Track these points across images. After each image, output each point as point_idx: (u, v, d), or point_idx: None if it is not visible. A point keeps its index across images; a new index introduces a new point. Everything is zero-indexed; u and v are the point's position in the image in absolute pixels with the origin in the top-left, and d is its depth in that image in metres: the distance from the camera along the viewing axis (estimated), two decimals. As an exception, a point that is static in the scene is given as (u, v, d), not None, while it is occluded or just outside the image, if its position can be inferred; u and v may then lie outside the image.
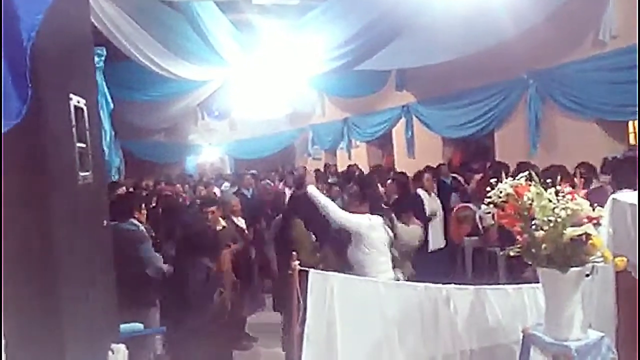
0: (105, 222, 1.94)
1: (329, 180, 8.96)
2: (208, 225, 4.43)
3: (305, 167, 13.04)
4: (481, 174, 7.97)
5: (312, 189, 4.35)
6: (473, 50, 7.22)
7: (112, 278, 2.02)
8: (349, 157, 13.97)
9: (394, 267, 4.30)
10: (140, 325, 2.29)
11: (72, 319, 1.58)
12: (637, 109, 5.81)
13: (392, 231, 4.41)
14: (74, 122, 1.65)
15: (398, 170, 10.19)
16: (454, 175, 8.44)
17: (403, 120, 11.53)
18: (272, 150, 16.98)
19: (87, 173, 1.73)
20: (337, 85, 11.32)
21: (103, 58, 5.61)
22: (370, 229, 4.28)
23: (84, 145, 1.72)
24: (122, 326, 2.09)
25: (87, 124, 1.76)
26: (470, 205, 7.11)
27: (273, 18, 8.21)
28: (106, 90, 5.79)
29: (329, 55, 7.06)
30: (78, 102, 1.71)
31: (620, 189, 4.19)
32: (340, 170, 12.37)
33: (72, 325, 1.58)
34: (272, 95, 11.19)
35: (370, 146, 13.88)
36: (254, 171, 11.63)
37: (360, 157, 13.60)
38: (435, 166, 8.40)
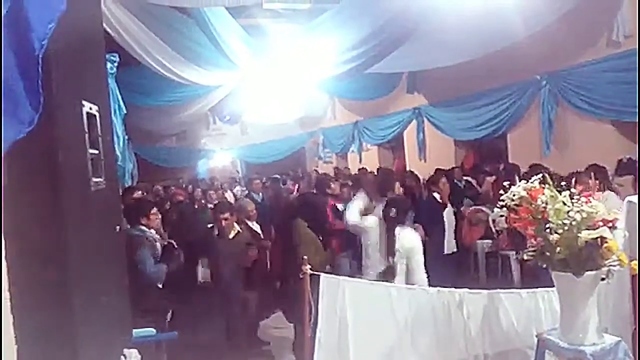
0: (118, 227, 1.95)
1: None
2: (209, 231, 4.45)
3: (325, 174, 13.09)
4: (494, 177, 7.91)
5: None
6: (484, 52, 7.18)
7: (125, 283, 2.03)
8: (360, 161, 13.96)
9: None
10: (152, 330, 2.30)
11: (85, 324, 1.59)
12: (637, 111, 5.73)
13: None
14: (86, 129, 1.67)
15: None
16: (466, 178, 8.39)
17: (414, 123, 11.49)
18: (283, 154, 17.04)
19: (99, 179, 1.74)
20: (348, 88, 11.31)
21: (116, 64, 5.66)
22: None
23: (96, 152, 1.73)
24: (134, 331, 2.10)
25: (99, 131, 1.78)
26: (483, 208, 7.05)
27: (284, 22, 8.24)
28: (119, 96, 5.84)
29: (340, 59, 7.06)
30: (90, 108, 1.72)
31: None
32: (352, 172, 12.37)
33: (85, 330, 1.59)
34: (283, 99, 11.21)
35: (381, 149, 13.85)
36: (277, 175, 11.66)
37: (372, 160, 13.57)
38: (447, 169, 8.35)
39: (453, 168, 8.67)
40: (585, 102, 7.24)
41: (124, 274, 2.02)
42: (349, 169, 13.43)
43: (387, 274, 3.94)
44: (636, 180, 5.34)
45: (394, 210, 4.20)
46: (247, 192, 9.68)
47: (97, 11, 2.01)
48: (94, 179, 1.70)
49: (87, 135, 1.67)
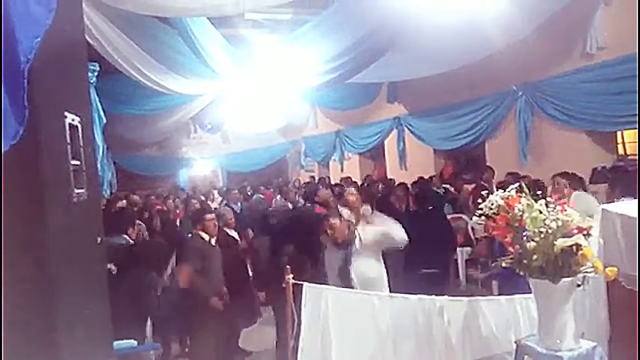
0: (99, 238, 1.94)
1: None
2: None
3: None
4: (474, 185, 8.04)
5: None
6: (462, 63, 7.33)
7: (106, 295, 2.02)
8: (342, 169, 14.03)
9: None
10: (133, 342, 2.28)
11: (66, 336, 1.58)
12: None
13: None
14: (68, 140, 1.66)
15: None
16: (445, 186, 8.50)
17: (395, 132, 11.62)
18: (264, 163, 17.02)
19: (81, 190, 1.74)
20: (330, 97, 11.40)
21: (96, 73, 5.62)
22: None
23: (78, 163, 1.73)
24: (115, 343, 2.08)
25: (81, 142, 1.77)
26: (463, 216, 7.15)
27: (265, 32, 8.30)
28: (99, 105, 5.79)
29: (321, 69, 7.12)
30: (73, 120, 1.72)
31: (619, 198, 4.25)
32: (334, 182, 12.42)
33: (67, 342, 1.58)
34: (264, 109, 11.24)
35: (362, 158, 13.95)
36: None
37: (353, 169, 13.65)
38: (427, 177, 8.46)
39: (432, 177, 8.78)
40: (560, 112, 7.43)
41: (105, 285, 2.01)
42: (329, 177, 13.50)
43: None
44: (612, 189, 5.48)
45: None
46: (225, 202, 9.66)
47: (79, 23, 2.01)
48: (76, 190, 1.69)
49: (69, 147, 1.67)
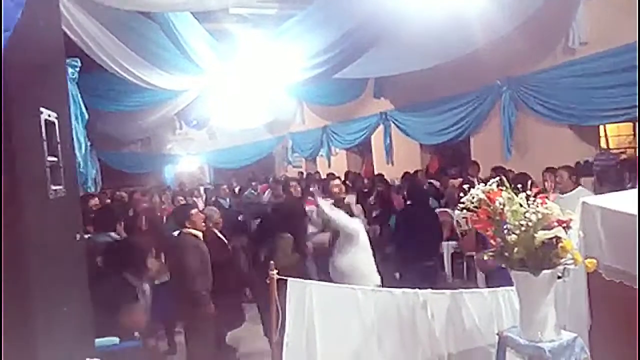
0: (78, 235, 1.92)
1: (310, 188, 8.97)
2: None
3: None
4: (460, 179, 8.09)
5: (323, 205, 4.49)
6: (447, 58, 7.37)
7: (87, 292, 2.00)
8: (329, 165, 14.04)
9: None
10: (115, 339, 2.27)
11: (45, 334, 1.56)
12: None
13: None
14: (44, 136, 1.64)
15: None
16: (431, 181, 8.55)
17: (381, 127, 11.66)
18: (252, 159, 16.97)
19: (59, 187, 1.72)
20: (316, 93, 11.39)
21: (77, 69, 5.54)
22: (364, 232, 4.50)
23: (55, 159, 1.70)
24: (97, 340, 2.06)
25: (58, 138, 1.75)
26: (448, 210, 7.20)
27: (250, 27, 8.24)
28: (81, 101, 5.71)
29: (307, 64, 7.11)
30: (49, 115, 1.69)
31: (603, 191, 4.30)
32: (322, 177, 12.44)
33: (46, 340, 1.56)
34: (251, 104, 11.19)
35: (349, 153, 13.98)
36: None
37: (340, 165, 13.68)
38: (412, 172, 8.51)
39: (417, 171, 8.85)
40: (544, 106, 7.50)
41: (85, 282, 1.99)
42: (319, 172, 13.51)
43: None
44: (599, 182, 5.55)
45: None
46: (214, 198, 9.62)
47: (55, 16, 1.98)
48: (53, 187, 1.67)
49: (45, 143, 1.65)
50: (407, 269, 5.68)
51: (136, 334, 3.35)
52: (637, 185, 3.84)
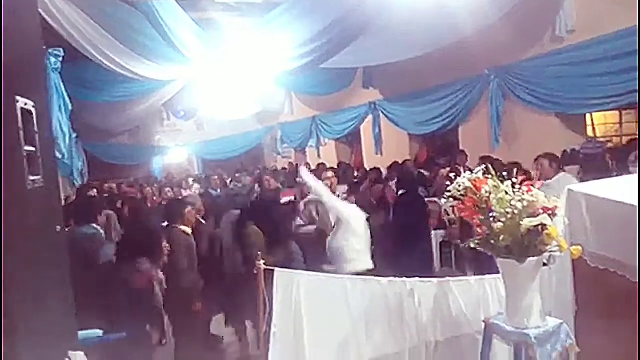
0: (58, 227, 1.88)
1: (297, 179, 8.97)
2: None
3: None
4: (448, 168, 8.11)
5: (304, 173, 4.46)
6: (435, 47, 7.35)
7: (69, 284, 1.96)
8: (319, 155, 14.02)
9: None
10: (98, 332, 2.24)
11: (24, 328, 1.53)
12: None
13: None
14: (21, 125, 1.60)
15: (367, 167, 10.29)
16: (420, 170, 8.56)
17: (370, 117, 11.64)
18: (240, 150, 16.89)
19: (37, 177, 1.67)
20: (305, 83, 11.33)
21: (61, 59, 5.45)
22: (357, 218, 4.45)
23: (32, 149, 1.66)
24: (80, 333, 2.03)
25: (36, 127, 1.70)
26: (437, 199, 7.21)
27: (237, 16, 8.14)
28: (64, 91, 5.62)
29: (295, 53, 7.06)
30: (25, 104, 1.65)
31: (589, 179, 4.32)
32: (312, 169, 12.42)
33: (25, 334, 1.54)
34: (239, 95, 11.10)
35: (339, 144, 13.96)
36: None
37: (330, 155, 13.66)
38: (401, 162, 8.52)
39: (405, 161, 8.86)
40: (531, 95, 7.53)
41: (67, 274, 1.95)
42: (309, 164, 13.48)
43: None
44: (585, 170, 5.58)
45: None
46: (203, 189, 9.57)
47: (33, 3, 1.93)
48: (31, 177, 1.63)
49: (22, 132, 1.60)
50: (403, 256, 5.72)
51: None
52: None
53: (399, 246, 5.88)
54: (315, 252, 4.71)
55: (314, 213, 5.13)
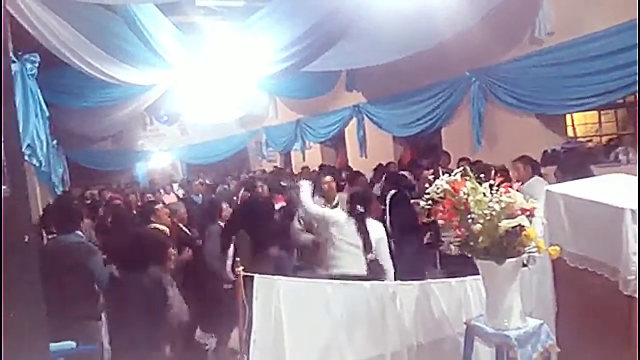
0: (27, 237, 1.83)
1: (282, 183, 8.94)
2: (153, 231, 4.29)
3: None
4: (432, 170, 8.15)
5: (303, 196, 4.45)
6: (415, 50, 7.39)
7: (40, 295, 1.91)
8: (304, 159, 14.00)
9: None
10: (72, 343, 2.19)
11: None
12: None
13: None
14: (-17, 133, 1.55)
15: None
16: (403, 172, 8.58)
17: (354, 120, 11.66)
18: (225, 154, 16.79)
19: (3, 187, 1.63)
20: (288, 87, 11.31)
21: (37, 64, 5.35)
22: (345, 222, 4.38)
23: (-3, 158, 1.62)
24: (52, 345, 1.98)
25: (2, 135, 1.66)
26: (420, 202, 7.22)
27: (218, 20, 8.10)
28: (40, 97, 5.51)
29: (276, 57, 7.03)
30: (-11, 111, 1.60)
31: (567, 179, 4.35)
32: (296, 172, 12.40)
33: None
34: (222, 99, 11.03)
35: (324, 147, 13.96)
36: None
37: (315, 158, 13.65)
38: (384, 164, 8.53)
39: (388, 163, 8.89)
40: (512, 97, 7.59)
41: (38, 286, 1.90)
42: (292, 168, 13.47)
43: (372, 270, 4.09)
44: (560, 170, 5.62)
45: (360, 204, 4.31)
46: (186, 194, 9.48)
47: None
48: (-5, 187, 1.58)
49: (-15, 140, 1.55)
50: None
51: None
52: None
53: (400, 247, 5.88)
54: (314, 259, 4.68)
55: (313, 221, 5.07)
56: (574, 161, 5.44)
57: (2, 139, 1.65)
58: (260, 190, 6.95)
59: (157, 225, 4.43)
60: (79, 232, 4.37)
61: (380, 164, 9.31)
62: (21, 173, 1.95)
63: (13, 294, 1.73)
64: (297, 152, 14.49)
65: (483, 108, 8.12)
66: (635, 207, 2.33)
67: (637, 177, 2.61)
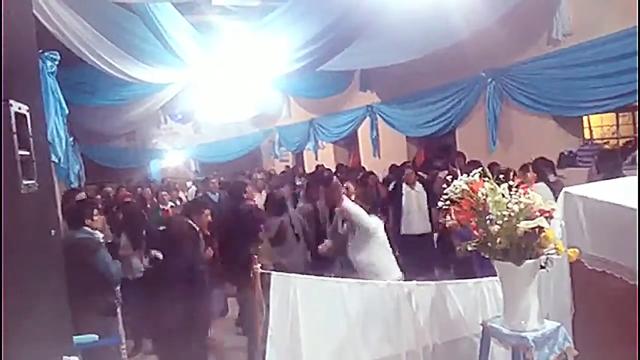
0: (53, 231, 1.87)
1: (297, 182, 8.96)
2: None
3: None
4: (446, 171, 8.12)
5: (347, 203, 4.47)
6: (431, 50, 7.36)
7: (64, 288, 1.95)
8: (316, 158, 14.02)
9: None
10: (94, 336, 2.23)
11: (17, 334, 1.52)
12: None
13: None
14: (14, 129, 1.58)
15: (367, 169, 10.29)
16: (417, 173, 8.56)
17: (368, 120, 11.64)
18: (238, 153, 16.87)
19: (31, 181, 1.66)
20: (302, 86, 11.34)
21: (57, 62, 5.43)
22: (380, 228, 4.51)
23: (27, 153, 1.65)
24: (75, 338, 2.02)
25: (30, 131, 1.69)
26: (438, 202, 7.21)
27: (234, 19, 8.14)
28: (60, 95, 5.60)
29: (292, 56, 7.05)
30: (19, 108, 1.64)
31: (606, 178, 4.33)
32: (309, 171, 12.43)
33: (19, 339, 1.52)
34: (236, 98, 11.09)
35: (336, 147, 13.96)
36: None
37: (327, 158, 13.65)
38: (399, 165, 8.51)
39: (404, 163, 8.85)
40: (528, 98, 7.53)
41: (62, 278, 1.94)
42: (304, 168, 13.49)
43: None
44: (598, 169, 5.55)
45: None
46: (201, 192, 9.52)
47: (27, 5, 1.92)
48: (25, 182, 1.62)
49: (15, 136, 1.59)
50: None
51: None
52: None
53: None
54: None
55: (339, 222, 5.10)
56: (611, 162, 5.35)
57: (32, 135, 1.69)
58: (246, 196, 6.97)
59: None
60: (87, 228, 4.43)
61: (394, 164, 9.29)
62: (48, 169, 2.00)
63: (39, 286, 1.77)
64: (310, 152, 14.51)
65: (499, 109, 8.06)
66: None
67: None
